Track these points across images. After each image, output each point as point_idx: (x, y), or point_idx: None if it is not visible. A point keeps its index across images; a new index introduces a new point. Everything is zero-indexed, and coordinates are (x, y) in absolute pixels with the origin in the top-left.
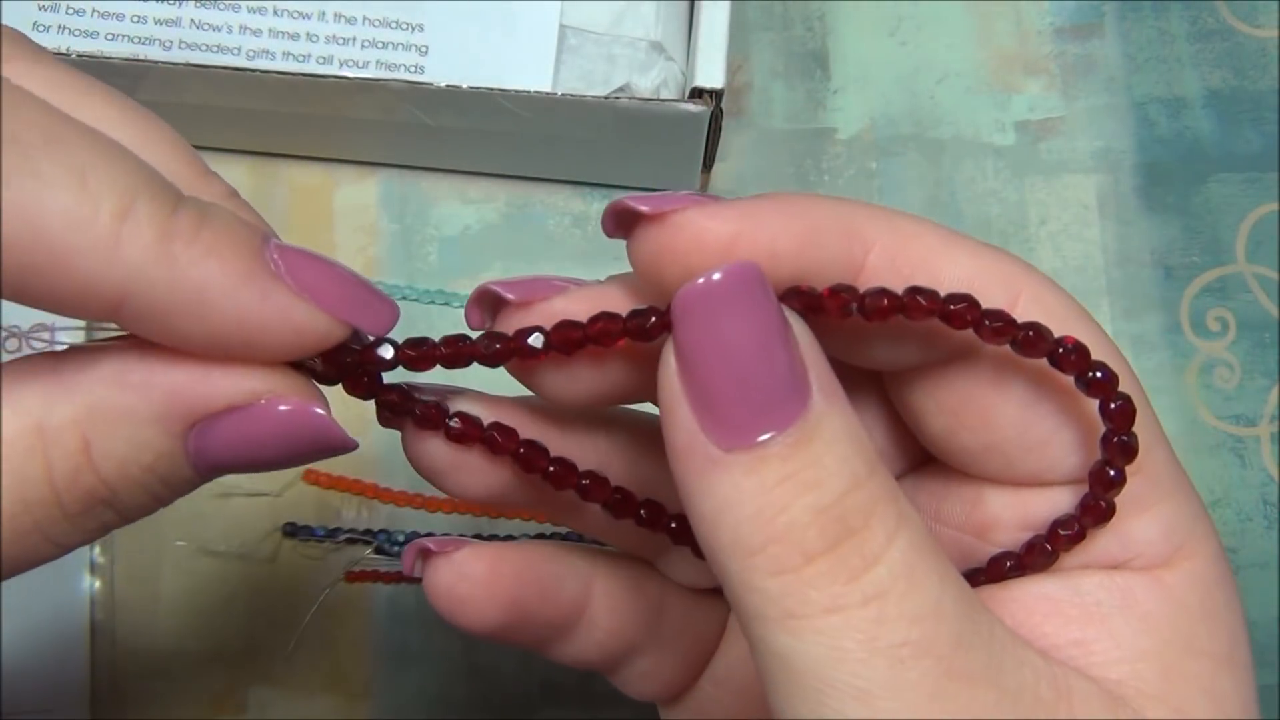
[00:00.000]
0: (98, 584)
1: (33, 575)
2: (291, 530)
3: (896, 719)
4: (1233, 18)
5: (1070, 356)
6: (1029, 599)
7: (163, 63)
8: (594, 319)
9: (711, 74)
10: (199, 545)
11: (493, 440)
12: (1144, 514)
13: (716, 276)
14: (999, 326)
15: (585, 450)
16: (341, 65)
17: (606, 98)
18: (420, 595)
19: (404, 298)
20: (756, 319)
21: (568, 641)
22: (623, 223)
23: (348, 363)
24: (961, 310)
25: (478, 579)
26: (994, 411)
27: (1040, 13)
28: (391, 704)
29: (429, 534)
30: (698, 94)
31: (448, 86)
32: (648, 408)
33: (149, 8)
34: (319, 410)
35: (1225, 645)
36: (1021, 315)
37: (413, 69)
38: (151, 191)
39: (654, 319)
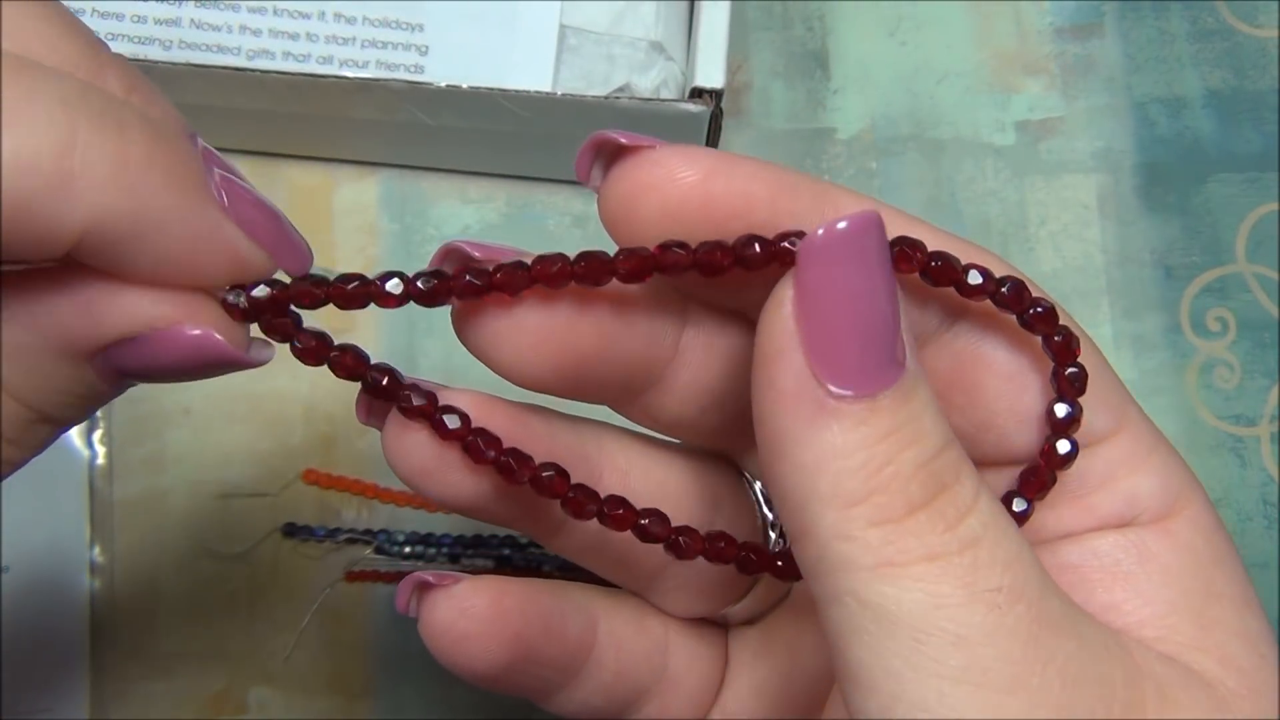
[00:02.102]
0: (98, 584)
1: (33, 575)
2: (291, 530)
3: (994, 665)
4: (1233, 18)
5: (1009, 296)
6: (1052, 570)
7: (163, 63)
8: (540, 259)
9: (711, 74)
10: (199, 546)
11: (475, 446)
12: (1139, 469)
13: (842, 225)
14: (937, 267)
15: (582, 462)
16: (341, 65)
17: (606, 98)
18: None
19: None
20: (882, 269)
21: (574, 686)
22: (602, 153)
23: (274, 298)
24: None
25: (480, 614)
26: (980, 386)
27: (1040, 13)
28: (391, 704)
29: (428, 534)
30: (698, 94)
31: (448, 86)
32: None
33: (149, 8)
34: (212, 334)
35: (1240, 587)
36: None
37: (413, 69)
38: (87, 114)
39: (758, 247)
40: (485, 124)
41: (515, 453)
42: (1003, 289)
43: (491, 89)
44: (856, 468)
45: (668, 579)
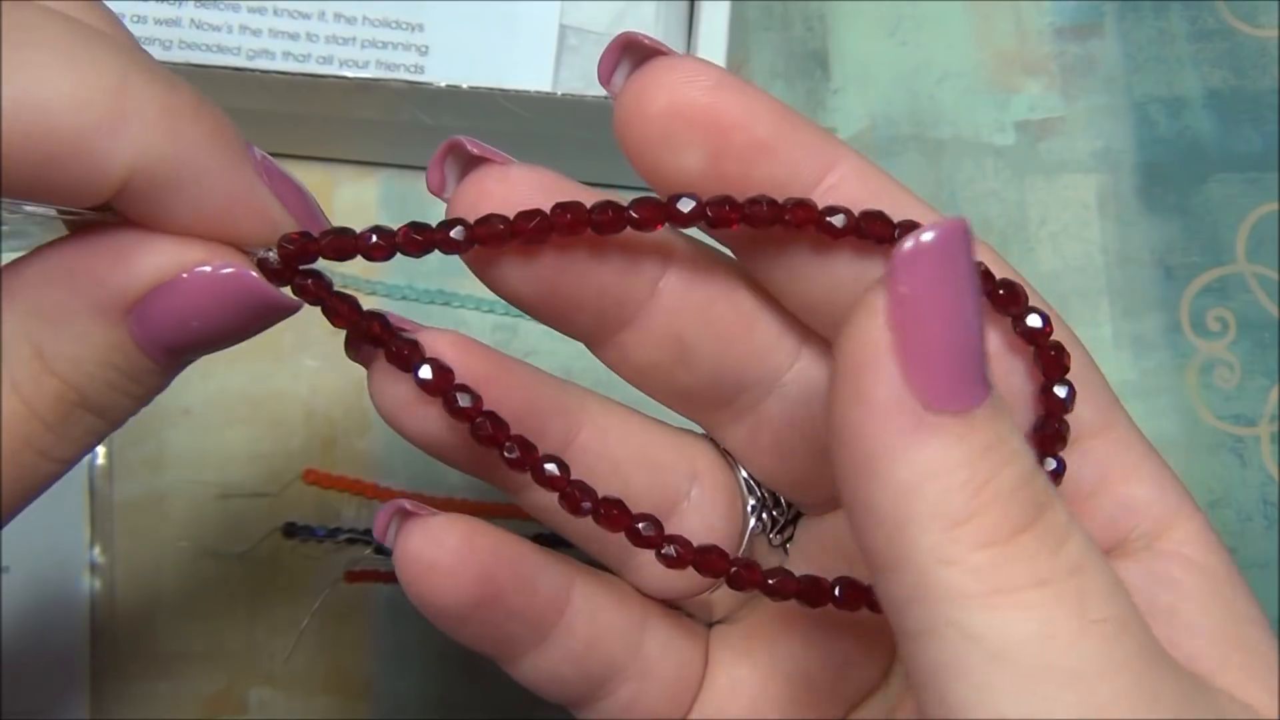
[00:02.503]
0: (98, 584)
1: (33, 575)
2: (291, 530)
3: (1110, 704)
4: (1233, 18)
5: (1004, 298)
6: None
7: (163, 63)
8: (559, 207)
9: None
10: (199, 545)
11: (452, 403)
12: (1132, 476)
13: (932, 234)
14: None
15: (561, 415)
16: (341, 65)
17: (606, 98)
18: None
19: (404, 298)
20: (973, 280)
21: (542, 650)
22: (629, 55)
23: (304, 247)
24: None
25: (450, 546)
26: None
27: (1040, 13)
28: (391, 704)
29: None
30: None
31: (448, 86)
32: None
33: (149, 8)
34: (248, 271)
35: (1254, 604)
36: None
37: (413, 69)
38: (138, 67)
39: (765, 206)
40: (485, 124)
41: (492, 415)
42: (1000, 290)
43: (491, 89)
44: (959, 486)
45: (641, 553)
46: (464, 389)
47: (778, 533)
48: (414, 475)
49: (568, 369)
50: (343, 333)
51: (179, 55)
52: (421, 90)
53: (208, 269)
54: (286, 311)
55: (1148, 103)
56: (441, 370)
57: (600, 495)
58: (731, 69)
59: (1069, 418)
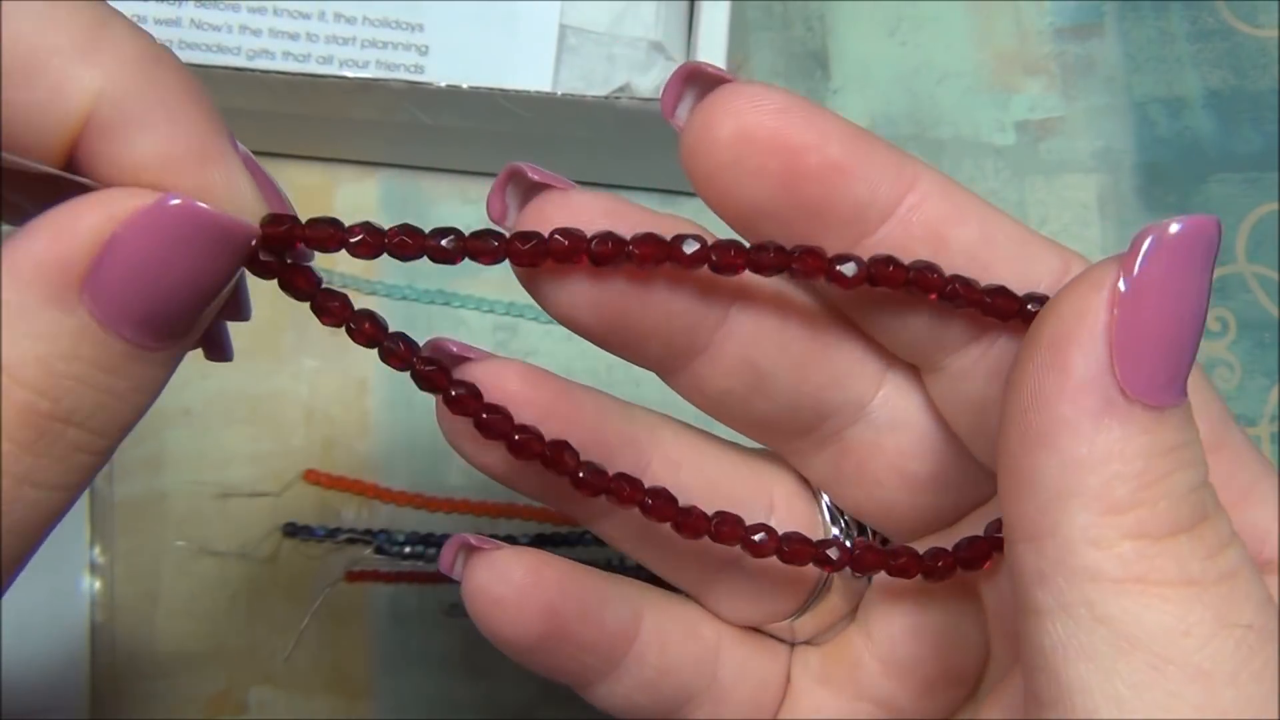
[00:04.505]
0: (98, 584)
1: (32, 575)
2: (291, 530)
3: (1232, 709)
4: (1233, 18)
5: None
6: None
7: None
8: (639, 239)
9: None
10: (199, 545)
11: (485, 424)
12: (1251, 496)
13: (1177, 228)
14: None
15: (631, 446)
16: (341, 65)
17: (606, 98)
18: (421, 595)
19: (404, 298)
20: (1207, 284)
21: (614, 678)
22: (693, 84)
23: (289, 231)
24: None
25: (516, 581)
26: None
27: (1040, 13)
28: (391, 704)
29: (428, 534)
30: None
31: (448, 86)
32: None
33: (149, 8)
34: (191, 201)
35: None
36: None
37: (413, 69)
38: (123, 19)
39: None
40: (485, 124)
41: (524, 429)
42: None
43: (491, 89)
44: (1132, 475)
45: (720, 581)
46: (525, 429)
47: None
48: (414, 476)
49: (568, 369)
50: (342, 333)
51: (179, 55)
52: (421, 90)
53: (147, 205)
54: (245, 239)
55: (1148, 103)
56: (499, 413)
57: (680, 504)
58: (731, 69)
59: None
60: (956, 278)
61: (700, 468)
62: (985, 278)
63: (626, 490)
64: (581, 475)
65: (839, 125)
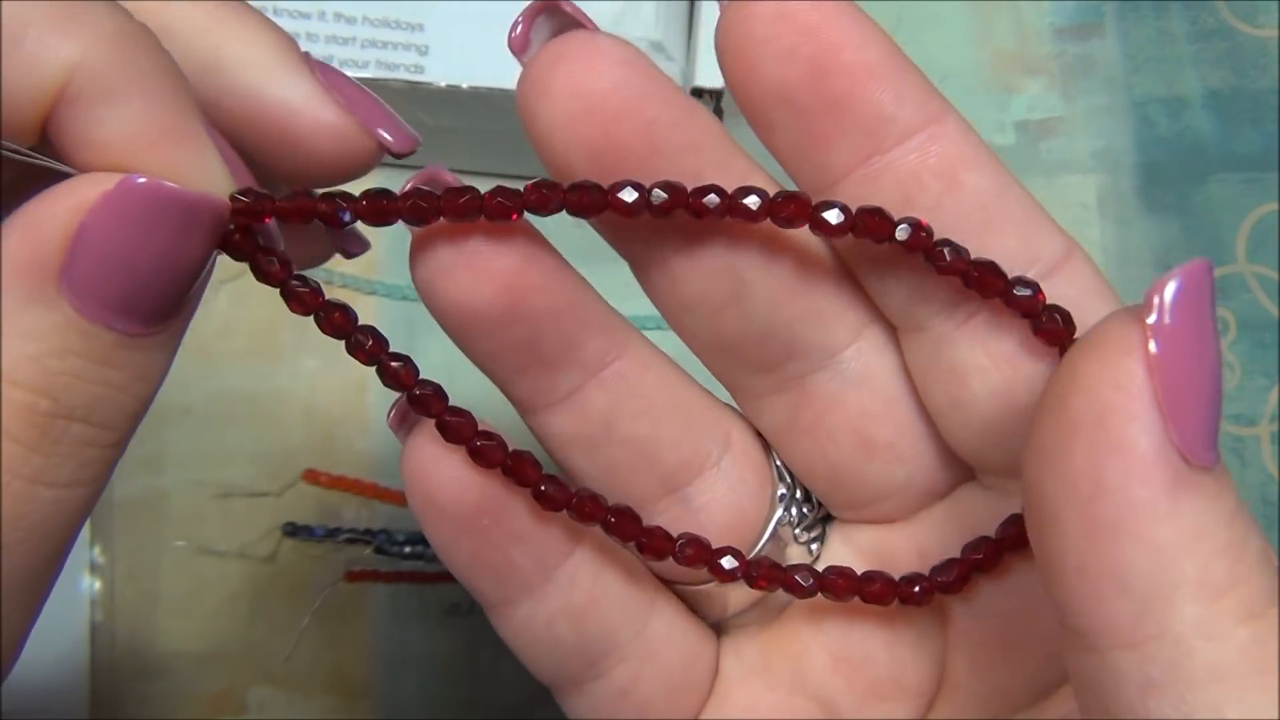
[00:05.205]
0: (98, 584)
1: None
2: (291, 530)
3: None
4: (1233, 18)
5: (1022, 300)
6: None
7: None
8: (575, 186)
9: (711, 74)
10: (199, 545)
11: (447, 427)
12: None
13: (1181, 279)
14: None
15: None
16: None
17: None
18: (421, 595)
19: (404, 298)
20: (1216, 327)
21: (541, 596)
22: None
23: (254, 205)
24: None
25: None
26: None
27: (1040, 13)
28: (391, 704)
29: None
30: (698, 94)
31: (448, 86)
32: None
33: None
34: (157, 180)
35: None
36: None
37: (413, 69)
38: (111, 6)
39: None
40: (485, 124)
41: (487, 435)
42: (1014, 290)
43: (491, 89)
44: (1222, 550)
45: (662, 521)
46: (488, 435)
47: (805, 529)
48: None
49: None
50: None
51: None
52: (421, 90)
53: (109, 189)
54: (215, 215)
55: (1147, 103)
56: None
57: (611, 504)
58: None
59: None
60: (946, 241)
61: (667, 382)
62: (988, 232)
63: (588, 507)
64: (543, 489)
65: (880, 34)
